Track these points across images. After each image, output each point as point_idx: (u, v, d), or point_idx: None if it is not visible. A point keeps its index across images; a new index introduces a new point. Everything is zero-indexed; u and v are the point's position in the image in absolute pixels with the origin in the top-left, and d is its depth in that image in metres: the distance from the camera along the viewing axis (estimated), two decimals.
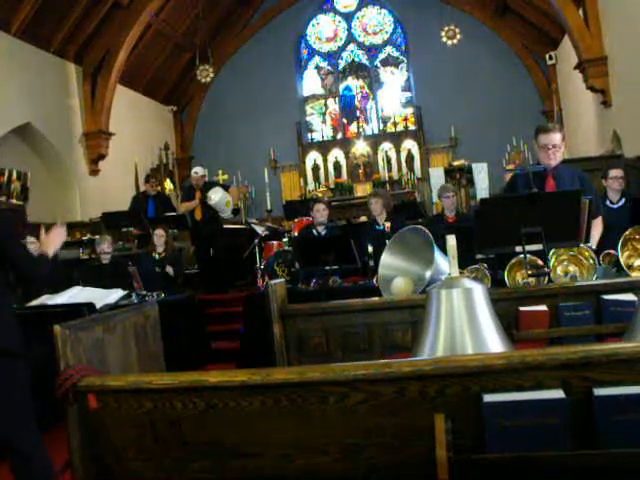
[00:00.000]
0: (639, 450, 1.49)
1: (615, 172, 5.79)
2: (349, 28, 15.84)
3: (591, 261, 3.63)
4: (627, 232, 3.88)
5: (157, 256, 7.45)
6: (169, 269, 7.38)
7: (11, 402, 2.91)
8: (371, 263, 6.01)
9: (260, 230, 9.02)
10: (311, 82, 15.95)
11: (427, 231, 3.48)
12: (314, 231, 6.76)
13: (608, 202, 5.78)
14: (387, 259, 3.68)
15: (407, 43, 15.40)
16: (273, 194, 13.34)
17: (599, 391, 1.55)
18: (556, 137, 4.08)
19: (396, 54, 15.65)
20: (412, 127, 15.12)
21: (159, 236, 7.48)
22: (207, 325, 7.50)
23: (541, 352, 1.63)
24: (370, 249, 6.04)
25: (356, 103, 15.74)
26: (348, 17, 15.82)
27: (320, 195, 13.38)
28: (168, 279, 7.35)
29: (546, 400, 1.56)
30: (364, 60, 15.81)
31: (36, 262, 3.17)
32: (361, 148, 14.91)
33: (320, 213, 6.72)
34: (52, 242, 3.32)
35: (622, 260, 3.81)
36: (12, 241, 3.08)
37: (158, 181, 10.45)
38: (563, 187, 4.06)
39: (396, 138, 14.98)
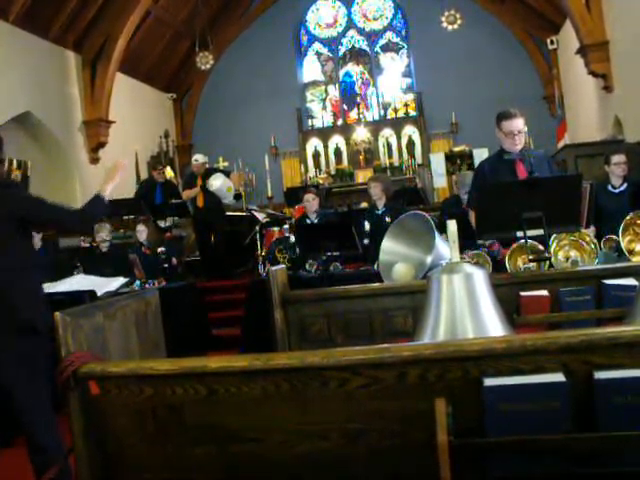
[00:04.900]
0: (639, 433, 1.50)
1: (618, 157, 5.78)
2: (349, 14, 15.75)
3: (592, 246, 3.63)
4: (628, 217, 3.88)
5: (148, 252, 7.47)
6: (174, 260, 7.51)
7: (31, 382, 2.90)
8: (366, 241, 6.09)
9: (261, 217, 9.04)
10: (311, 68, 15.89)
11: (428, 216, 3.48)
12: (307, 220, 6.92)
13: (610, 187, 5.78)
14: (388, 245, 3.68)
15: (407, 29, 15.33)
16: (274, 181, 13.34)
17: (599, 374, 1.55)
18: (519, 122, 4.07)
19: (396, 40, 15.58)
20: (413, 113, 15.08)
21: (141, 232, 7.48)
22: (208, 312, 7.51)
23: (541, 336, 1.63)
24: (367, 226, 6.12)
25: (356, 89, 15.69)
26: (348, 3, 15.73)
27: (321, 182, 13.39)
28: (170, 267, 7.41)
29: (546, 384, 1.56)
30: (364, 46, 15.74)
31: (82, 210, 3.23)
32: (362, 134, 14.88)
33: (310, 203, 6.93)
34: (112, 178, 3.32)
35: (623, 245, 3.82)
36: (37, 206, 3.09)
37: (164, 169, 10.47)
38: (534, 170, 4.03)
39: (397, 124, 14.94)
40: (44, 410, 2.95)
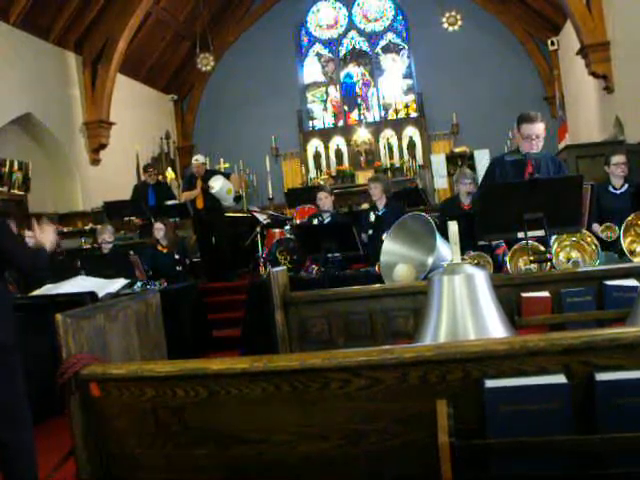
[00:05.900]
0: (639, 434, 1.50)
1: (618, 158, 5.76)
2: (349, 15, 15.75)
3: (593, 247, 3.63)
4: (629, 218, 3.87)
5: (165, 251, 7.44)
6: (187, 261, 7.54)
7: (4, 398, 2.84)
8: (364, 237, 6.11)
9: (262, 218, 9.02)
10: (312, 69, 15.89)
11: (429, 218, 3.48)
12: (316, 219, 6.87)
13: (611, 188, 5.77)
14: (389, 246, 3.67)
15: (408, 30, 15.32)
16: (275, 182, 13.35)
17: (600, 376, 1.55)
18: (540, 127, 4.00)
19: (397, 41, 15.58)
20: (413, 114, 15.08)
21: (158, 229, 7.46)
22: (208, 313, 7.50)
23: (543, 337, 1.63)
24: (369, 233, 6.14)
25: (357, 90, 15.69)
26: (348, 4, 15.72)
27: (322, 183, 13.38)
28: (183, 268, 7.44)
29: (548, 385, 1.56)
30: (365, 47, 15.74)
31: (34, 254, 3.07)
32: (362, 135, 14.87)
33: (322, 202, 6.86)
34: (45, 239, 3.18)
35: (624, 246, 3.81)
36: (5, 233, 3.00)
37: (157, 170, 10.41)
38: (541, 172, 4.02)
39: (397, 125, 14.94)
40: (20, 410, 2.89)
